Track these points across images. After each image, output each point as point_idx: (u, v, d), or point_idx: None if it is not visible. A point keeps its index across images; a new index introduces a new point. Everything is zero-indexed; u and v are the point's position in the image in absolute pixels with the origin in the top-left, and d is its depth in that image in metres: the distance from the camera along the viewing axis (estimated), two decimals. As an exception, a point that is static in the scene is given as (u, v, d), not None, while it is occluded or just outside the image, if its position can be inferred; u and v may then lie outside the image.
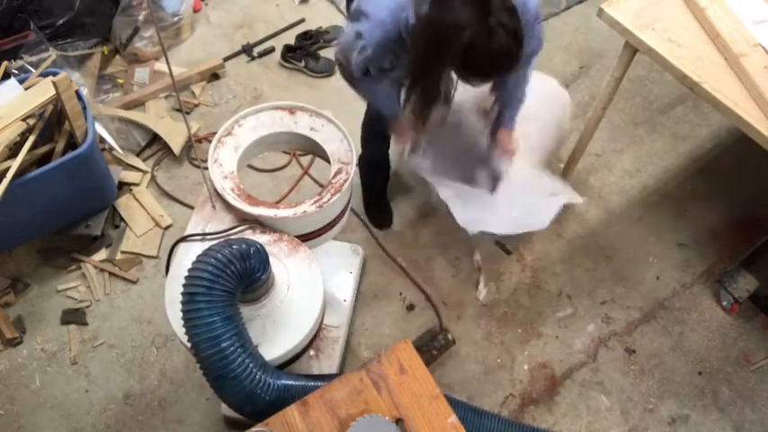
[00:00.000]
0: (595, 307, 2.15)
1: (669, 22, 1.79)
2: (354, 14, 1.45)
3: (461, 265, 2.23)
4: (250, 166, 2.43)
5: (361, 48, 1.44)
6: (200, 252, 1.28)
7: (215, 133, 1.60)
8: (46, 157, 1.99)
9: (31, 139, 1.90)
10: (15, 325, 2.06)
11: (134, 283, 2.17)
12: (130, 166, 2.42)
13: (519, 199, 1.99)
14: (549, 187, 2.05)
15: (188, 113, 2.62)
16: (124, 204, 2.32)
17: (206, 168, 1.52)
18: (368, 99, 1.79)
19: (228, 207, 1.52)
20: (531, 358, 2.04)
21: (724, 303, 2.14)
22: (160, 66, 2.69)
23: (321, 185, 2.42)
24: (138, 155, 2.47)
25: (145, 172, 2.42)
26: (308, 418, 1.18)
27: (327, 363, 1.90)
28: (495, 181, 1.99)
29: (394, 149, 2.18)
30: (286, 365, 1.42)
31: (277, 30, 2.90)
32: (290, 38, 2.83)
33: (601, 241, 2.30)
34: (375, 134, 2.03)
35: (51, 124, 2.03)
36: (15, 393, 1.96)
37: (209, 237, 1.48)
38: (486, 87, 1.67)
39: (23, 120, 1.90)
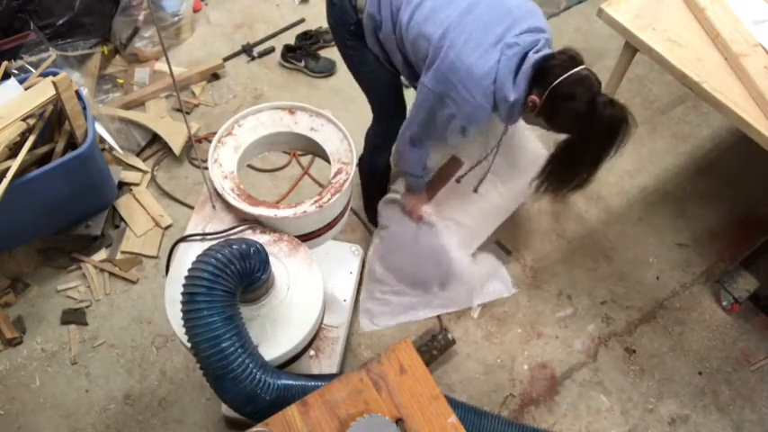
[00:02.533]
0: (595, 307, 2.15)
1: (669, 22, 1.80)
2: (440, 98, 1.54)
3: (461, 265, 2.23)
4: (250, 166, 2.42)
5: (453, 127, 1.60)
6: (200, 252, 1.28)
7: (215, 133, 1.60)
8: (46, 157, 1.99)
9: (31, 139, 1.90)
10: (15, 325, 2.06)
11: (134, 283, 2.17)
12: (130, 166, 2.42)
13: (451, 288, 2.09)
14: (487, 272, 2.14)
15: (188, 113, 2.62)
16: (124, 204, 2.32)
17: (206, 168, 1.52)
18: (409, 164, 1.85)
19: (228, 207, 1.52)
20: (531, 358, 2.04)
21: (724, 303, 2.14)
22: (160, 66, 2.69)
23: (321, 185, 2.42)
24: (138, 155, 2.47)
25: (145, 172, 2.42)
26: (308, 418, 1.18)
27: (327, 363, 1.90)
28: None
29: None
30: (286, 365, 1.42)
31: (277, 30, 2.90)
32: (290, 38, 2.83)
33: (601, 241, 2.30)
34: (378, 146, 2.05)
35: (51, 124, 2.03)
36: (15, 393, 1.96)
37: (209, 237, 1.48)
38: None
39: (23, 120, 1.90)
